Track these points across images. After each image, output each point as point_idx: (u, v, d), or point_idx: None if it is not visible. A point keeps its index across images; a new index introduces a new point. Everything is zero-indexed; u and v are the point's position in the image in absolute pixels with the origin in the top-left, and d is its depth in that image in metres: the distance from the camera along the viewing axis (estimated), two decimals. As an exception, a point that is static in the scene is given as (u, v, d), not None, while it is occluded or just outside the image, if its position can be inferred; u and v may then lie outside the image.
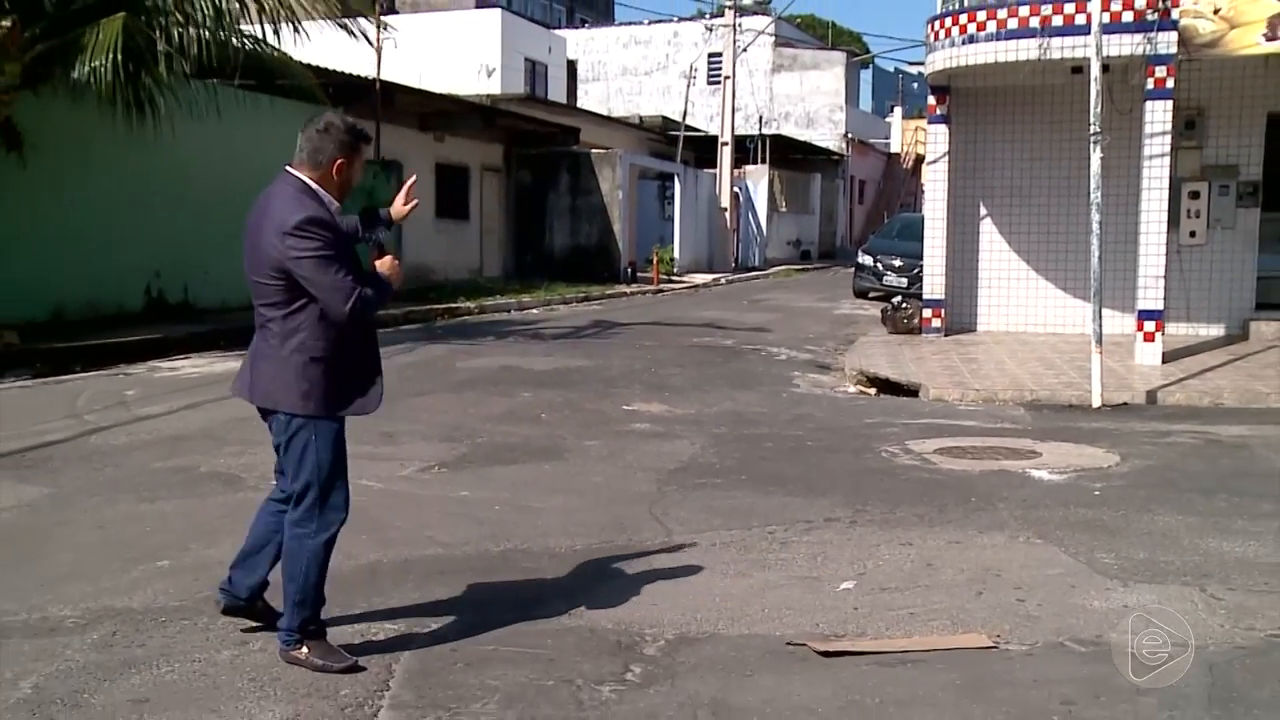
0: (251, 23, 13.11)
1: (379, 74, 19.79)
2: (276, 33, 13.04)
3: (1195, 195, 13.85)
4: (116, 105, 11.89)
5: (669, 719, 3.68)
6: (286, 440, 4.02)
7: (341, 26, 13.22)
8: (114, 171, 14.26)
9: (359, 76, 19.39)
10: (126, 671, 3.97)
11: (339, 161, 3.98)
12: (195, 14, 12.47)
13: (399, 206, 4.34)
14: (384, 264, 4.07)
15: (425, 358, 12.68)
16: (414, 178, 4.52)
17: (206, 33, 12.48)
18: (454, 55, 31.94)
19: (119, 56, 10.90)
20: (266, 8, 12.69)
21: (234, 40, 12.84)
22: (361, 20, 15.28)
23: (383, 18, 19.95)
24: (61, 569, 5.12)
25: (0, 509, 6.13)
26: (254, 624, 4.34)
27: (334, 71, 18.19)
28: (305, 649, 4.02)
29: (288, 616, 4.04)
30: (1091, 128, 10.30)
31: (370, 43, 16.49)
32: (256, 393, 4.04)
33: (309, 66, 15.50)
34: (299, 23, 12.99)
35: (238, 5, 12.67)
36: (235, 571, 4.32)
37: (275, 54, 13.68)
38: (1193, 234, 13.90)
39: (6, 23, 11.09)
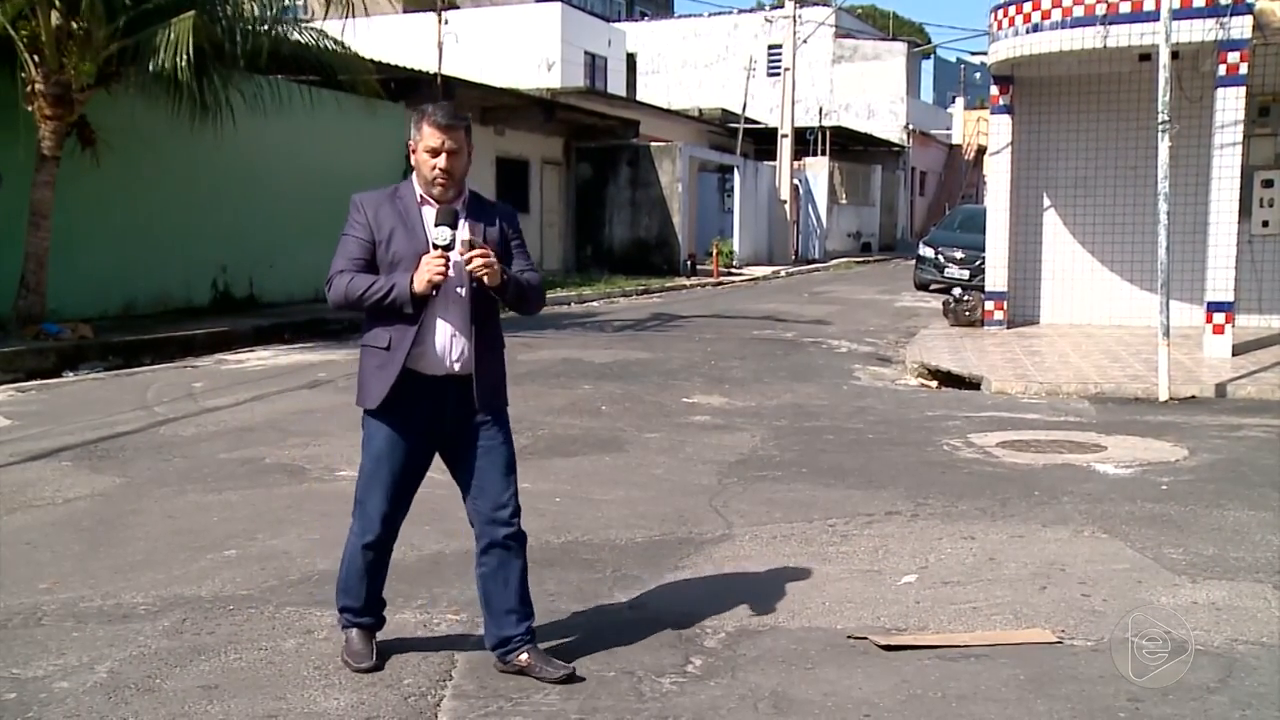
0: (316, 18, 13.27)
1: (440, 68, 19.96)
2: (342, 30, 13.18)
3: (1269, 184, 13.53)
4: (185, 103, 12.11)
5: (729, 711, 3.69)
6: None
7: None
8: (182, 168, 14.52)
9: (420, 71, 19.56)
10: (196, 658, 4.05)
11: (409, 145, 3.95)
12: (261, 11, 12.65)
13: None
14: (424, 261, 3.72)
15: (486, 350, 12.75)
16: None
17: (271, 29, 12.67)
18: (514, 49, 32.08)
19: (189, 55, 11.10)
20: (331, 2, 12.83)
21: (298, 37, 13.02)
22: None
23: (443, 13, 20.12)
24: (134, 557, 5.23)
25: (76, 498, 6.29)
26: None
27: (396, 66, 18.39)
28: (345, 639, 4.05)
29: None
30: (1159, 116, 10.11)
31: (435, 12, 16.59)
32: None
33: (372, 61, 15.66)
34: (361, 13, 13.11)
35: (302, 1, 12.83)
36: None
37: (339, 49, 13.85)
38: (1265, 224, 13.58)
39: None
